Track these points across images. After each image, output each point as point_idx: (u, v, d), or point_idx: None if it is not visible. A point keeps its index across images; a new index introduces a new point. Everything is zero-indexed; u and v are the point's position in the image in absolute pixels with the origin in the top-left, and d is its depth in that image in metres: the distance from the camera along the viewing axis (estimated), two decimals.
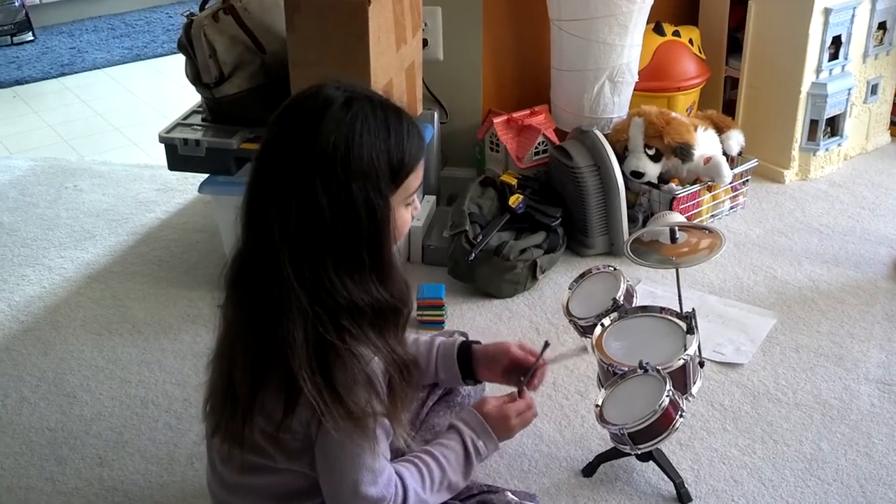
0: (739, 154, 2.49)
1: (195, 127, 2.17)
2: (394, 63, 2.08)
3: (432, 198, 2.47)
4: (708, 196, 2.42)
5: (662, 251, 1.60)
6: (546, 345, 1.49)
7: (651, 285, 2.18)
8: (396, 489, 1.26)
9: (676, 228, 1.59)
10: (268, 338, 1.17)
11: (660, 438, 1.40)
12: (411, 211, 1.29)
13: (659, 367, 1.44)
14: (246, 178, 1.21)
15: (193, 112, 2.25)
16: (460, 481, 1.37)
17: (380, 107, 1.20)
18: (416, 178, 1.24)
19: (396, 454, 1.34)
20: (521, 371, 1.49)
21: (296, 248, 1.15)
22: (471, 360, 1.52)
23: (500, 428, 1.41)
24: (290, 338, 1.15)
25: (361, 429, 1.19)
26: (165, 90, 3.69)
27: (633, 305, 1.62)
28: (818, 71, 2.60)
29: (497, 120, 2.50)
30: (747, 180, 2.51)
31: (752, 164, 2.49)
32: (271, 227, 1.16)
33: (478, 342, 1.55)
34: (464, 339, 1.56)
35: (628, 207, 2.35)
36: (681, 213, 2.33)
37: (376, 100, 1.21)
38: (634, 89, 2.51)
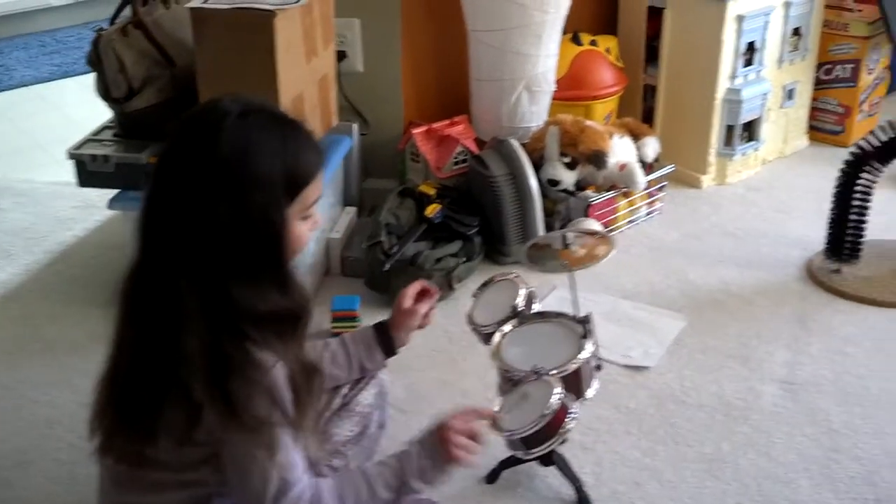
0: (656, 160, 2.53)
1: (106, 142, 2.16)
2: (304, 75, 2.08)
3: (353, 209, 2.47)
4: (624, 202, 2.45)
5: (560, 256, 1.62)
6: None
7: (566, 291, 2.19)
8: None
9: (567, 234, 1.60)
10: (166, 351, 1.17)
11: (551, 442, 1.41)
12: (311, 224, 1.29)
13: (552, 372, 1.45)
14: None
15: (105, 127, 2.24)
16: (395, 499, 1.32)
17: (276, 120, 1.22)
18: (313, 192, 1.25)
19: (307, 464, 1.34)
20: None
21: (192, 257, 1.15)
22: (388, 336, 1.55)
23: (444, 453, 1.33)
24: (184, 348, 1.15)
25: (263, 439, 1.18)
26: (94, 107, 3.59)
27: (532, 311, 1.63)
28: (733, 77, 2.65)
29: (416, 131, 2.51)
30: (664, 186, 2.55)
31: (668, 170, 2.53)
32: (167, 237, 1.16)
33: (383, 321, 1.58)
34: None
35: (547, 215, 2.38)
36: (597, 219, 2.36)
37: (273, 112, 1.23)
38: (553, 98, 2.54)
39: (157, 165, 1.21)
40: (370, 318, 2.13)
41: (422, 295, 1.59)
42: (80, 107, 3.66)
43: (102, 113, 2.33)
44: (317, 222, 1.30)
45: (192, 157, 1.16)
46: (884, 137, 2.14)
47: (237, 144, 1.16)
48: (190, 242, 1.15)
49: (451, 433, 1.32)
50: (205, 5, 1.93)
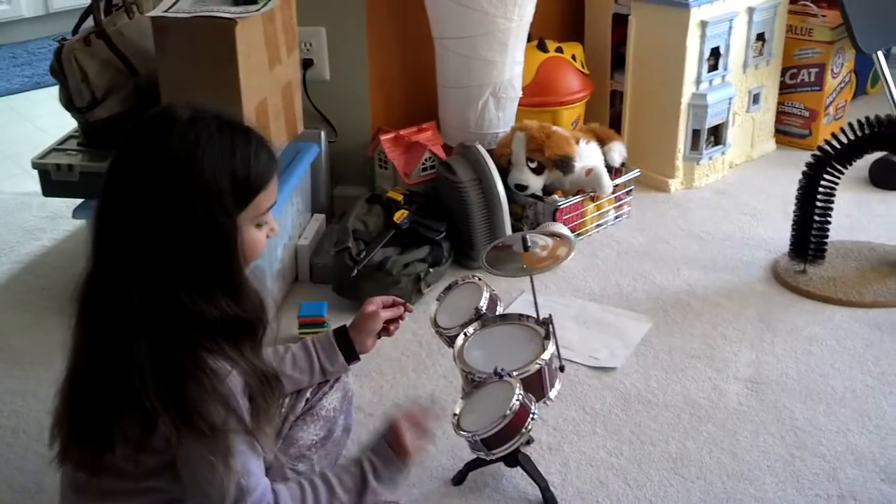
0: (623, 165, 2.54)
1: (70, 152, 2.15)
2: (267, 83, 2.08)
3: (321, 216, 2.47)
4: (592, 206, 2.46)
5: (522, 258, 1.62)
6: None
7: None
8: None
9: (528, 236, 1.61)
10: (120, 358, 1.16)
11: (512, 443, 1.42)
12: (266, 231, 1.29)
13: (513, 373, 1.45)
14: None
15: (70, 137, 2.24)
16: (357, 503, 1.33)
17: (226, 126, 1.21)
18: (266, 199, 1.24)
19: (267, 470, 1.33)
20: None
21: (141, 263, 1.15)
22: (349, 340, 1.56)
23: (397, 448, 1.36)
24: (134, 355, 1.14)
25: (218, 446, 1.18)
26: (65, 117, 3.60)
27: (495, 314, 1.64)
28: (698, 82, 2.67)
29: (384, 137, 2.52)
30: (630, 190, 2.56)
31: (634, 174, 2.55)
32: (118, 242, 1.16)
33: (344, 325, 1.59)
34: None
35: (516, 220, 2.39)
36: (565, 223, 2.37)
37: (224, 119, 1.22)
38: (519, 105, 2.55)
39: (108, 171, 1.20)
40: (338, 323, 2.12)
41: (392, 306, 1.60)
42: (51, 117, 3.64)
43: (73, 123, 2.33)
44: (273, 229, 1.30)
45: (140, 162, 1.16)
46: (845, 139, 2.16)
47: (184, 149, 1.15)
48: (139, 248, 1.14)
49: (402, 431, 1.34)
50: (166, 14, 1.93)
